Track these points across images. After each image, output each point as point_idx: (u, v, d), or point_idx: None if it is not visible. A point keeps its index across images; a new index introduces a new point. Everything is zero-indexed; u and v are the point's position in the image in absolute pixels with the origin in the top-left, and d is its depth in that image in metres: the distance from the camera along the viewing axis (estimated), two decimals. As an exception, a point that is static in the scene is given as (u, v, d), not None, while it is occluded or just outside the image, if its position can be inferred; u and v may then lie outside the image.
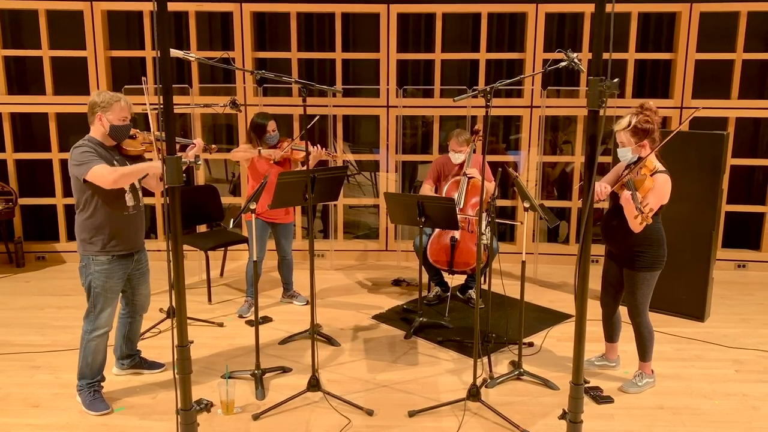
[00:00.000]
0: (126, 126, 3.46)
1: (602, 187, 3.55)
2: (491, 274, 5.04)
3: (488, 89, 3.32)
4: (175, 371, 2.29)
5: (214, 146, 3.98)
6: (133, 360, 3.96)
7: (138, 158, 3.61)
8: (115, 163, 3.43)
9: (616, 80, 1.86)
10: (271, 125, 4.71)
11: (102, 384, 3.63)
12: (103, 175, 3.27)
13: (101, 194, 3.37)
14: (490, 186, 4.73)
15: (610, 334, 4.01)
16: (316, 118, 4.74)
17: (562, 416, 2.33)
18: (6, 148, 6.11)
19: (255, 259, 3.91)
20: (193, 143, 3.71)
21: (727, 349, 4.39)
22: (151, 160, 3.70)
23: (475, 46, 6.12)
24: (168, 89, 1.90)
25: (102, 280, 3.44)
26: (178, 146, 3.55)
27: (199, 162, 3.50)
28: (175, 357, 2.25)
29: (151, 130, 3.61)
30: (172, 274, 2.13)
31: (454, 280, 5.29)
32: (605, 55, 1.87)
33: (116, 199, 3.42)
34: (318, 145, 4.60)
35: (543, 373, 3.93)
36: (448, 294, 5.12)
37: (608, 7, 1.81)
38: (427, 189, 5.10)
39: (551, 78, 6.12)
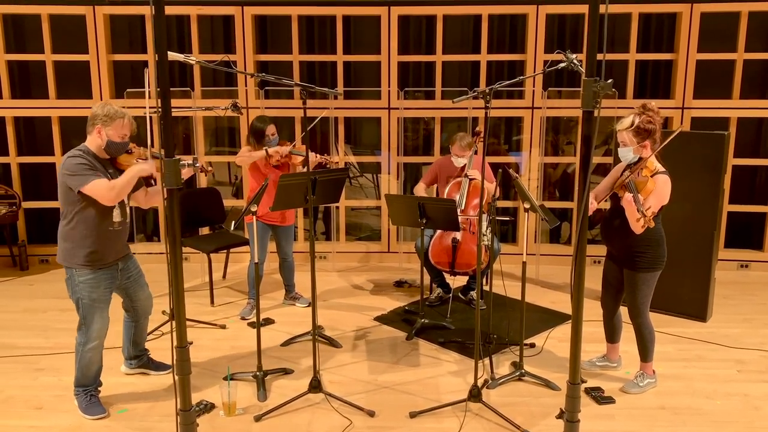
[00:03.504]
0: (124, 143, 3.42)
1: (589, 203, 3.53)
2: (492, 275, 5.04)
3: (487, 90, 3.33)
4: (174, 372, 2.30)
5: (210, 169, 3.96)
6: (141, 360, 3.98)
7: None
8: (109, 176, 3.40)
9: (609, 81, 1.87)
10: (270, 129, 4.71)
11: (99, 389, 3.64)
12: (103, 191, 3.26)
13: (90, 208, 3.33)
14: (491, 187, 4.74)
15: (611, 334, 4.01)
16: (318, 118, 4.76)
17: (560, 415, 2.33)
18: (10, 152, 6.14)
19: (256, 261, 3.93)
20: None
21: (729, 349, 4.38)
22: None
23: (476, 48, 6.13)
24: (166, 92, 1.92)
25: (88, 292, 3.41)
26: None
27: (198, 165, 3.50)
28: (174, 358, 2.26)
29: (149, 144, 3.59)
30: (171, 275, 2.15)
31: (456, 282, 5.29)
32: (600, 56, 1.88)
33: (103, 214, 3.38)
34: (314, 153, 4.64)
35: (544, 374, 3.93)
36: (450, 295, 5.12)
37: (602, 8, 1.82)
38: (421, 188, 5.10)
39: (552, 79, 6.12)
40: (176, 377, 2.30)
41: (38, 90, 6.16)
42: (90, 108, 6.11)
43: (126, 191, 3.39)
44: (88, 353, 3.49)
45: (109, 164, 3.47)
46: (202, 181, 6.29)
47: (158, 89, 1.93)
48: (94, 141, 3.39)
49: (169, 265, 2.15)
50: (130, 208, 3.63)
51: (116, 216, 3.45)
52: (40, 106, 6.09)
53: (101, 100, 6.01)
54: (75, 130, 6.21)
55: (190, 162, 3.47)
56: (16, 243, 6.18)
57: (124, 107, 3.45)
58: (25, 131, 6.35)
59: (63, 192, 3.35)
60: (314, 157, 4.64)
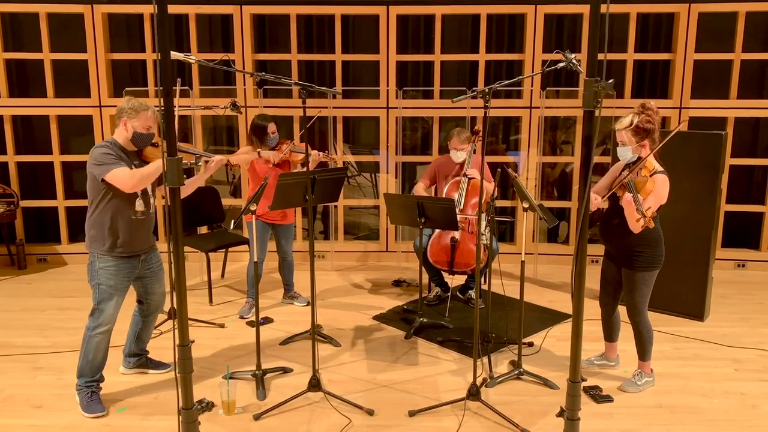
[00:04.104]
0: (149, 135, 3.53)
1: (593, 199, 3.55)
2: (491, 275, 5.06)
3: (487, 90, 3.34)
4: (176, 370, 2.31)
5: (235, 163, 4.16)
6: (140, 359, 3.99)
7: None
8: (134, 167, 3.49)
9: (611, 81, 1.88)
10: (271, 127, 4.74)
11: (100, 385, 3.65)
12: (124, 178, 3.36)
13: (114, 196, 3.43)
14: (490, 186, 4.75)
15: (610, 333, 4.02)
16: (315, 117, 4.78)
17: (560, 414, 2.34)
18: (7, 151, 6.13)
19: (255, 260, 3.93)
20: (212, 158, 3.75)
21: (726, 348, 4.40)
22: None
23: (475, 48, 6.14)
24: (168, 91, 1.92)
25: (106, 278, 3.49)
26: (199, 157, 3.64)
27: (200, 163, 3.52)
28: (176, 356, 2.26)
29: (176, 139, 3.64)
30: (173, 274, 2.15)
31: (454, 281, 5.30)
32: (600, 56, 1.89)
33: (126, 203, 3.48)
34: (316, 150, 4.67)
35: (543, 373, 3.94)
36: (449, 294, 5.13)
37: (603, 8, 1.83)
38: (420, 188, 5.11)
39: (550, 79, 6.14)
40: (178, 375, 2.30)
41: (36, 89, 6.15)
42: (87, 107, 6.17)
43: (147, 181, 3.46)
44: (95, 337, 3.53)
45: (135, 156, 3.57)
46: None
47: (161, 87, 1.93)
48: (121, 133, 3.50)
49: (171, 264, 2.15)
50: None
51: (138, 206, 3.52)
52: (38, 104, 6.08)
53: (99, 99, 6.02)
54: (73, 128, 6.22)
55: (193, 161, 3.49)
56: (14, 242, 6.17)
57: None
58: (23, 130, 6.34)
59: (90, 182, 3.45)
60: (317, 156, 4.65)
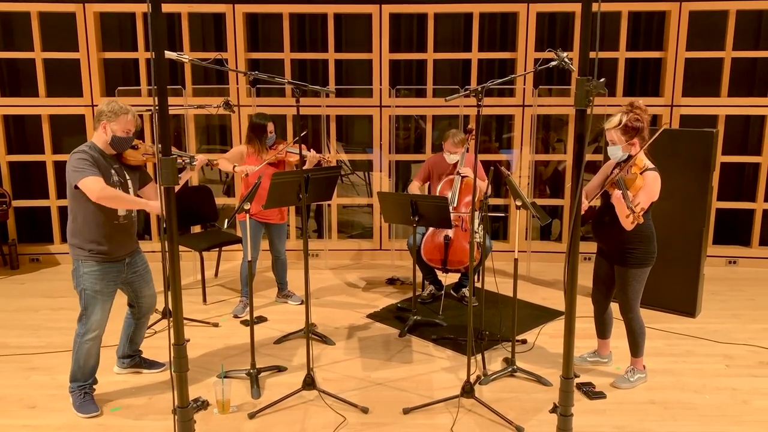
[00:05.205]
0: (128, 138, 3.49)
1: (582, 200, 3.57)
2: (484, 272, 5.07)
3: (479, 89, 3.35)
4: (172, 369, 2.31)
5: (216, 162, 4.11)
6: (134, 360, 3.98)
7: (137, 168, 3.64)
8: (113, 171, 3.46)
9: (602, 80, 1.89)
10: (270, 126, 4.75)
11: (94, 387, 3.65)
12: (93, 189, 3.30)
13: (93, 203, 3.38)
14: (483, 185, 4.77)
15: (602, 330, 4.05)
16: (303, 133, 4.80)
17: (553, 410, 2.36)
18: (-1, 151, 6.12)
19: (249, 259, 3.93)
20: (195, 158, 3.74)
21: (717, 344, 4.43)
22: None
23: (467, 46, 6.15)
24: (163, 91, 1.93)
25: (92, 283, 3.46)
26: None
27: (194, 162, 3.52)
28: (172, 355, 2.27)
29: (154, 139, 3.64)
30: (168, 273, 2.15)
31: (448, 279, 5.32)
32: (592, 54, 1.91)
33: (107, 208, 3.44)
34: (312, 150, 4.68)
35: (536, 370, 3.96)
36: (442, 292, 5.15)
37: (594, 7, 1.85)
38: (415, 187, 5.13)
39: (543, 77, 6.16)
40: (174, 374, 2.30)
41: (28, 88, 6.13)
42: (80, 106, 6.15)
43: (114, 204, 3.42)
44: (86, 344, 3.51)
45: (115, 159, 3.53)
46: (194, 179, 6.28)
47: (155, 87, 1.94)
48: (100, 137, 3.47)
49: (165, 264, 2.16)
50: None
51: (121, 210, 3.50)
52: (30, 104, 6.06)
53: (92, 98, 6.00)
54: (65, 128, 6.20)
55: (187, 161, 3.49)
56: (6, 242, 6.15)
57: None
58: (15, 129, 6.31)
59: (68, 188, 3.41)
60: (314, 157, 4.65)
